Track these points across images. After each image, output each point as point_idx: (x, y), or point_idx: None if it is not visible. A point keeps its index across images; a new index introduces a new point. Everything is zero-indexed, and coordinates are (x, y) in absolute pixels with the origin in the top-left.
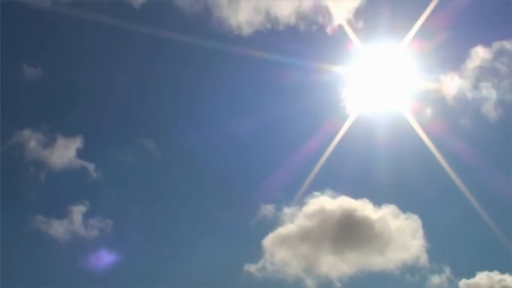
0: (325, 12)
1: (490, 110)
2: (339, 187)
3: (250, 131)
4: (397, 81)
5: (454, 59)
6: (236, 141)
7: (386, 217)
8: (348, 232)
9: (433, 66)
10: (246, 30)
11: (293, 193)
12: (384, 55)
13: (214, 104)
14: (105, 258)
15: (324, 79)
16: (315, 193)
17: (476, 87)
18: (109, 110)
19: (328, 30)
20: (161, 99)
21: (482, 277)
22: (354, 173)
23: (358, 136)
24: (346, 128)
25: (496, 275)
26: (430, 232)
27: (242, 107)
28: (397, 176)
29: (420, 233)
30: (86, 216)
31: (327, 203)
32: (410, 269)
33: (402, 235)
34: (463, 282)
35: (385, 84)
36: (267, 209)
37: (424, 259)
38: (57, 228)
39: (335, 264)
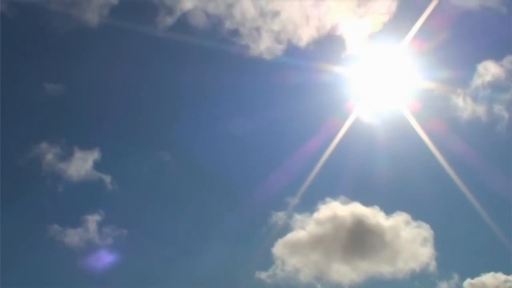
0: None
1: None
2: (350, 193)
3: (255, 134)
4: (399, 81)
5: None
6: (245, 146)
7: (397, 225)
8: (359, 239)
9: (433, 65)
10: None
11: (303, 199)
12: (384, 55)
13: (224, 111)
14: (118, 265)
15: (325, 79)
16: (327, 199)
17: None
18: (126, 123)
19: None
20: (174, 112)
21: (488, 277)
22: (364, 179)
23: (361, 138)
24: (348, 129)
25: (501, 276)
26: (439, 239)
27: (250, 112)
28: (403, 181)
29: (429, 240)
30: (101, 224)
31: (338, 209)
32: (419, 276)
33: (411, 243)
34: (467, 282)
35: (387, 84)
36: (278, 216)
37: (433, 266)
38: (72, 237)
39: (346, 271)
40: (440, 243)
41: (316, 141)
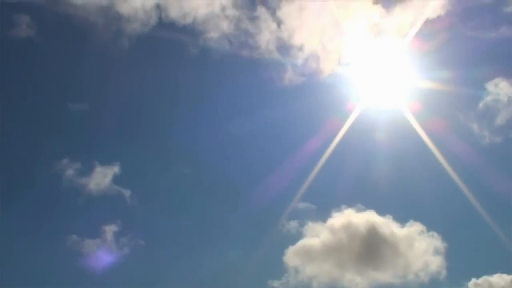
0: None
1: None
2: (364, 201)
3: (261, 136)
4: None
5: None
6: (252, 152)
7: (410, 235)
8: (371, 249)
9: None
10: None
11: (315, 206)
12: (384, 55)
13: (239, 125)
14: (132, 273)
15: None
16: (343, 206)
17: None
18: (146, 139)
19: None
20: (193, 129)
21: (494, 278)
22: (367, 182)
23: (369, 140)
24: (350, 129)
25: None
26: (447, 245)
27: (259, 115)
28: (407, 184)
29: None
30: (118, 235)
31: (352, 217)
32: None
33: (423, 253)
34: (472, 282)
35: (388, 84)
36: (291, 225)
37: (443, 275)
38: (90, 246)
39: (358, 280)
40: (446, 247)
41: (318, 141)
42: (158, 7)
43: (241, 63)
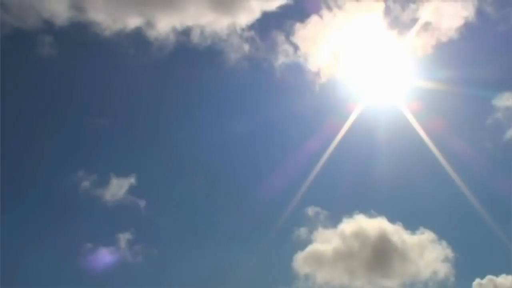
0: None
1: None
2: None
3: (265, 137)
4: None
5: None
6: (257, 155)
7: (421, 243)
8: (381, 257)
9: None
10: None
11: (326, 211)
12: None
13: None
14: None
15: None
16: (355, 212)
17: None
18: (163, 151)
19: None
20: (210, 143)
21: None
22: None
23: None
24: (351, 131)
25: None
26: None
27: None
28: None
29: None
30: (132, 243)
31: (363, 223)
32: None
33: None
34: (476, 282)
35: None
36: (301, 231)
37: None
38: (105, 256)
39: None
40: (455, 255)
41: (324, 143)
42: (177, 30)
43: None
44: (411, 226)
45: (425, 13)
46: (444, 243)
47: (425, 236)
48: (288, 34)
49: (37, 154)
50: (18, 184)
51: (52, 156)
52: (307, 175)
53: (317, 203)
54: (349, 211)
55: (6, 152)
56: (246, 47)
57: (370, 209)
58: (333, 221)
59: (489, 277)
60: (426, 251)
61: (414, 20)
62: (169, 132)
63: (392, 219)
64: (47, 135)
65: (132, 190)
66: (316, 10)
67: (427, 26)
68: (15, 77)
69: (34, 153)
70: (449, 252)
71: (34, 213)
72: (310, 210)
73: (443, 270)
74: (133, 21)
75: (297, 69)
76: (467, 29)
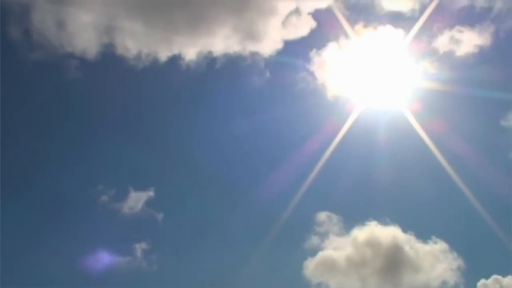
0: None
1: None
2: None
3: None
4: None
5: None
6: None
7: (433, 252)
8: (392, 266)
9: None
10: None
11: (338, 220)
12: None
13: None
14: None
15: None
16: (368, 219)
17: None
18: (180, 165)
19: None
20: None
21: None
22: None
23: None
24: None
25: None
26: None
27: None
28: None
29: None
30: (147, 253)
31: (376, 231)
32: None
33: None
34: (481, 282)
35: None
36: (313, 239)
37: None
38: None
39: None
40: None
41: (321, 146)
42: (204, 58)
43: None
44: (422, 235)
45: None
46: (455, 253)
47: (438, 245)
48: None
49: (62, 170)
50: (43, 198)
51: (73, 171)
52: (319, 180)
53: (329, 208)
54: (360, 219)
55: (32, 167)
56: (268, 74)
57: (369, 217)
58: (345, 227)
59: (494, 276)
60: (436, 260)
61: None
62: (190, 148)
63: (393, 225)
64: (67, 151)
65: (150, 203)
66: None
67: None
68: (45, 101)
69: (59, 169)
70: (460, 263)
71: (54, 225)
72: (322, 216)
73: (453, 279)
74: (162, 51)
75: (315, 94)
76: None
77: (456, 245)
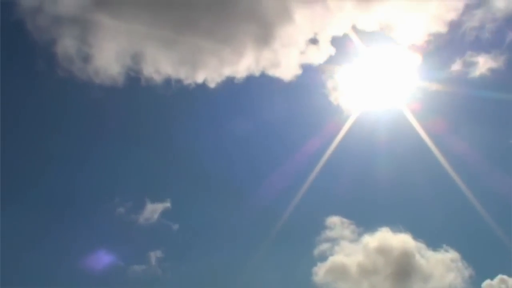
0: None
1: None
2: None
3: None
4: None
5: None
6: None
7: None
8: (402, 273)
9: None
10: None
11: (350, 225)
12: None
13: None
14: None
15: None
16: (380, 226)
17: None
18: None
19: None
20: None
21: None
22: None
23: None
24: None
25: None
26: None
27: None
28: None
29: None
30: (161, 261)
31: (388, 239)
32: None
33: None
34: (486, 283)
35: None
36: (323, 246)
37: None
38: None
39: None
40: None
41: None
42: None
43: None
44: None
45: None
46: (465, 262)
47: (448, 254)
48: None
49: (85, 184)
50: (66, 211)
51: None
52: (331, 185)
53: (339, 213)
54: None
55: (55, 178)
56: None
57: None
58: (356, 233)
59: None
60: (445, 268)
61: None
62: (205, 161)
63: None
64: (87, 166)
65: (166, 214)
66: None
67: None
68: (73, 121)
69: (82, 183)
70: (471, 272)
71: (74, 235)
72: (332, 221)
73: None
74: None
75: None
76: None
77: (462, 250)
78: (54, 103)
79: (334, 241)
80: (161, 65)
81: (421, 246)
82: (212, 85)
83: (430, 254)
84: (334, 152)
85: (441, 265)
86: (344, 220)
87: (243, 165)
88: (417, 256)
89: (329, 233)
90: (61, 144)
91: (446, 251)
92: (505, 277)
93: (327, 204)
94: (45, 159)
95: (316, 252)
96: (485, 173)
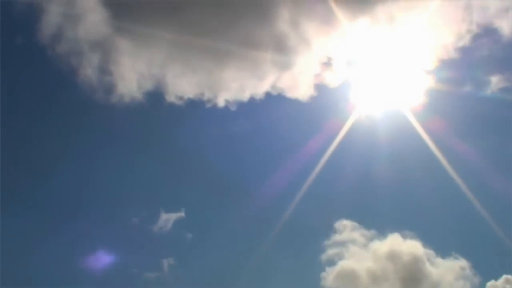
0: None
1: None
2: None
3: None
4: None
5: None
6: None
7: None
8: (411, 280)
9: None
10: None
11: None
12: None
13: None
14: None
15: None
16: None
17: None
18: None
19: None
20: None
21: None
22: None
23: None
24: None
25: None
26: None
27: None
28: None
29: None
30: (175, 268)
31: (396, 245)
32: None
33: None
34: (490, 283)
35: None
36: (332, 250)
37: None
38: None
39: None
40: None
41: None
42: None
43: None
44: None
45: None
46: (472, 270)
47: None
48: None
49: (101, 195)
50: (82, 219)
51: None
52: (340, 189)
53: (349, 217)
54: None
55: (77, 190)
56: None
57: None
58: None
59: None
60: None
61: None
62: (219, 174)
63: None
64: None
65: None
66: None
67: None
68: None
69: (99, 194)
70: (479, 278)
71: (90, 243)
72: (342, 224)
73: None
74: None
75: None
76: None
77: (471, 257)
78: (74, 120)
79: (343, 245)
80: (183, 88)
81: (430, 253)
82: (227, 104)
83: (439, 261)
84: (340, 155)
85: (450, 273)
86: (355, 224)
87: (255, 175)
88: (427, 264)
89: (338, 237)
90: (83, 158)
91: (456, 258)
92: (509, 277)
93: (336, 208)
94: (69, 173)
95: (324, 256)
96: (490, 177)
